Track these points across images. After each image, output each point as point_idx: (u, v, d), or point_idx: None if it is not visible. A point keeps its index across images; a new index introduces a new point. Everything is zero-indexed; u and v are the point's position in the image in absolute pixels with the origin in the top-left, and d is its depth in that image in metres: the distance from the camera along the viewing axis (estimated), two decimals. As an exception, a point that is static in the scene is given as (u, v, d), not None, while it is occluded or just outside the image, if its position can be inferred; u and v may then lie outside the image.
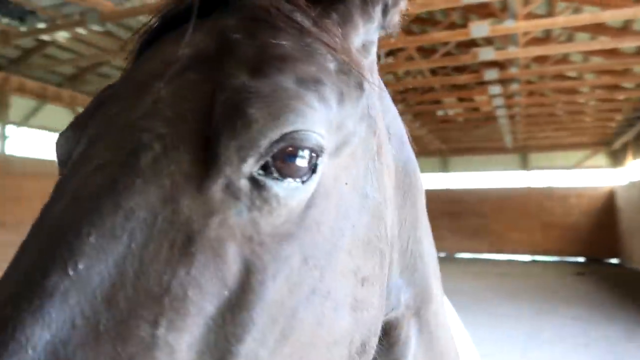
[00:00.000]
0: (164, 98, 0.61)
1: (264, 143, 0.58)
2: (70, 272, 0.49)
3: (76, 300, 0.48)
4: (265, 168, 0.59)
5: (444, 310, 1.20)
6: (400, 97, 14.63)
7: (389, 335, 1.00)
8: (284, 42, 0.66)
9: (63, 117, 13.75)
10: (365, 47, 0.83)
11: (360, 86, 0.73)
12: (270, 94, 0.59)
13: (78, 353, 0.46)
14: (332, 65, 0.69)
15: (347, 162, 0.71)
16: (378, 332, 0.79)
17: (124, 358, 0.47)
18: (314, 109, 0.62)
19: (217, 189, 0.57)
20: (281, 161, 0.59)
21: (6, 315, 0.46)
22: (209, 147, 0.58)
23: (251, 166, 0.58)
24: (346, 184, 0.69)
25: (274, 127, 0.58)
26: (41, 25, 9.34)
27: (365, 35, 0.82)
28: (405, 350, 1.03)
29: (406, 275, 1.00)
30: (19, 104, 12.99)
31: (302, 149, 0.60)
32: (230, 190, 0.57)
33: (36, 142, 14.04)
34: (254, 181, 0.58)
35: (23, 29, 9.60)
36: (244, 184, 0.58)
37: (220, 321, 0.53)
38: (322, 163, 0.64)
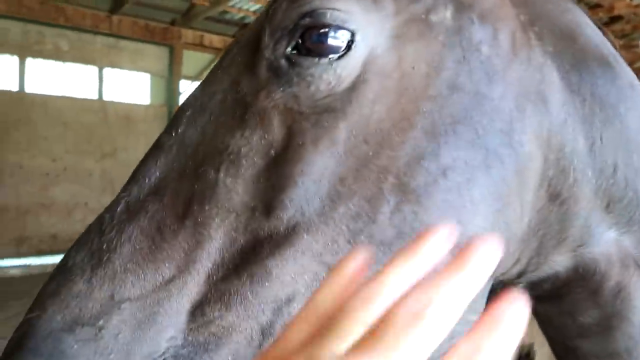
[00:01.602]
0: (255, 21, 0.82)
1: (288, 24, 0.70)
2: (174, 134, 0.75)
3: (175, 152, 0.73)
4: (297, 48, 0.70)
5: None
6: None
7: (584, 279, 0.89)
8: None
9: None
10: None
11: None
12: None
13: (171, 184, 0.71)
14: None
15: (417, 47, 0.73)
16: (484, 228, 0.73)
17: (197, 191, 0.68)
18: None
19: (262, 70, 0.72)
20: (308, 40, 0.69)
21: (143, 159, 0.75)
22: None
23: (284, 47, 0.71)
24: (413, 68, 0.71)
25: (293, 8, 0.70)
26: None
27: None
28: (622, 308, 0.88)
29: (618, 212, 0.87)
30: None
31: (323, 26, 0.68)
32: (273, 69, 0.71)
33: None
34: (289, 60, 0.70)
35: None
36: (282, 63, 0.71)
37: (268, 174, 0.67)
38: (360, 41, 0.70)
